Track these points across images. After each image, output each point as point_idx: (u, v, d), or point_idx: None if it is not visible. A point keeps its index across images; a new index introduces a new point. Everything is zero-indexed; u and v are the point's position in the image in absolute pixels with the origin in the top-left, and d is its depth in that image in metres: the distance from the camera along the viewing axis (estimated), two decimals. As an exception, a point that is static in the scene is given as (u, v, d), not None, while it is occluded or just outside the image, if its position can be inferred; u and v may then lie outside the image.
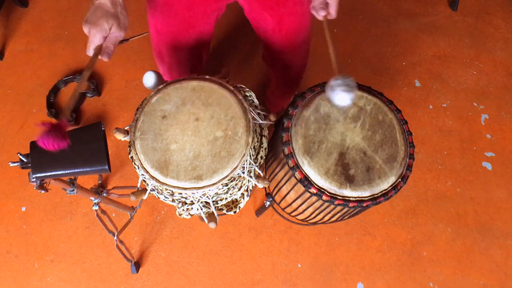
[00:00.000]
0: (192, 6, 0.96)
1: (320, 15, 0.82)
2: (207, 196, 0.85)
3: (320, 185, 0.85)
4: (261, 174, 0.91)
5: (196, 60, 1.24)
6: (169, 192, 0.86)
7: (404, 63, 1.84)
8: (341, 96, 0.73)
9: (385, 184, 0.85)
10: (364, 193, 0.84)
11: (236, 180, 0.87)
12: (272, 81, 1.51)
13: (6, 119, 1.70)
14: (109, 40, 0.72)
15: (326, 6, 0.81)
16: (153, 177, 0.81)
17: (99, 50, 0.71)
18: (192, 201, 0.87)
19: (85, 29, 0.71)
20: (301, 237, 1.50)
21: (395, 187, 0.86)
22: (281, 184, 1.01)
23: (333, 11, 0.81)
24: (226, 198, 0.90)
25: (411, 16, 1.96)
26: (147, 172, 0.82)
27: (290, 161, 0.87)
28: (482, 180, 1.61)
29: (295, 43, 1.13)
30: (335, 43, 0.81)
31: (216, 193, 0.86)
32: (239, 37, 1.87)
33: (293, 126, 0.90)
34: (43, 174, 0.81)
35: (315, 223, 1.09)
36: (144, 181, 0.86)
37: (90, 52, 0.72)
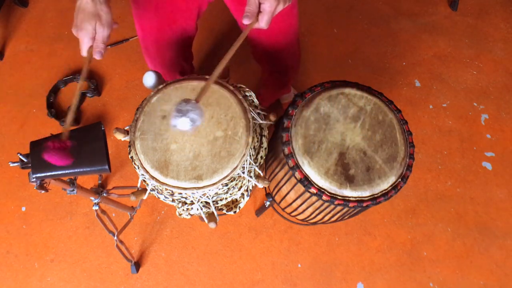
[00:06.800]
0: (173, 2, 0.98)
1: (244, 22, 0.73)
2: (207, 196, 0.85)
3: (320, 185, 0.85)
4: (261, 174, 0.91)
5: (182, 58, 1.25)
6: (169, 192, 0.86)
7: (404, 63, 1.84)
8: (174, 121, 0.69)
9: (385, 184, 0.86)
10: (364, 193, 0.84)
11: (236, 180, 0.87)
12: (263, 75, 1.50)
13: (6, 119, 1.70)
14: (97, 39, 0.75)
15: (255, 15, 0.73)
16: (153, 177, 0.81)
17: (91, 53, 0.76)
18: (192, 201, 0.87)
19: (74, 32, 0.75)
20: (301, 237, 1.50)
21: (395, 187, 0.86)
22: (281, 184, 1.01)
23: (263, 23, 0.74)
24: (226, 198, 0.90)
25: (411, 16, 1.96)
26: (147, 172, 0.82)
27: (290, 161, 0.87)
28: (482, 180, 1.61)
29: (282, 44, 1.13)
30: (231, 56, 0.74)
31: (216, 193, 0.86)
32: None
33: (293, 126, 0.90)
34: (43, 174, 0.81)
35: (315, 223, 1.09)
36: (144, 181, 0.87)
37: (84, 53, 0.76)
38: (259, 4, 0.72)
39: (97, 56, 0.75)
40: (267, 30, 1.05)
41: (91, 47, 0.75)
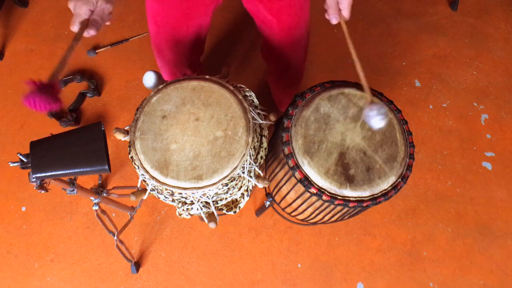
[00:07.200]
0: None
1: (332, 22, 0.83)
2: (207, 196, 0.85)
3: (320, 185, 0.85)
4: (261, 174, 0.91)
5: (194, 55, 1.24)
6: (169, 192, 0.86)
7: (404, 63, 1.84)
8: (378, 123, 0.81)
9: (385, 184, 0.85)
10: (364, 193, 0.84)
11: (236, 180, 0.87)
12: (271, 75, 1.50)
13: (6, 119, 1.70)
14: (96, 14, 0.67)
15: (338, 11, 0.81)
16: (153, 177, 0.81)
17: (85, 24, 0.66)
18: (192, 201, 0.87)
19: (70, 5, 0.66)
20: (301, 237, 1.50)
21: (395, 187, 0.86)
22: (281, 184, 1.01)
23: (346, 14, 0.82)
24: (226, 198, 0.90)
25: (411, 16, 1.96)
26: (147, 172, 0.82)
27: (290, 161, 0.87)
28: (482, 180, 1.61)
29: (293, 37, 1.13)
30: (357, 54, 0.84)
31: (216, 193, 0.86)
32: (239, 37, 1.87)
33: (293, 126, 0.90)
34: (43, 174, 0.81)
35: (315, 223, 1.09)
36: (144, 181, 0.87)
37: (75, 27, 0.66)
38: (337, 2, 0.79)
39: (92, 31, 0.66)
40: (281, 22, 1.05)
41: (84, 21, 0.66)
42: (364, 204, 0.85)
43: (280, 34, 1.11)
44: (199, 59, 1.36)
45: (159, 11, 1.01)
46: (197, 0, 0.99)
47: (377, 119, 0.80)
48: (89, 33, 0.67)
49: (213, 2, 1.03)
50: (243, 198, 0.95)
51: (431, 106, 1.75)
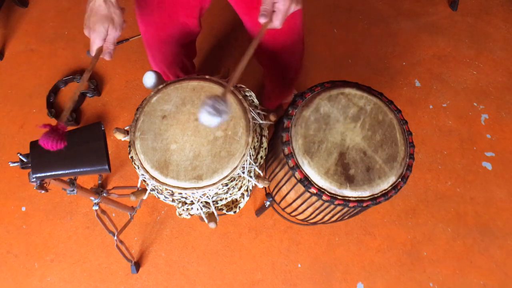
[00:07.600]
0: None
1: (260, 20, 0.75)
2: (207, 196, 0.85)
3: (320, 185, 0.85)
4: (261, 174, 0.91)
5: (184, 54, 1.24)
6: (169, 192, 0.86)
7: (404, 63, 1.84)
8: (203, 117, 0.67)
9: (385, 184, 0.86)
10: (364, 193, 0.84)
11: (236, 180, 0.87)
12: (266, 78, 1.50)
13: (6, 119, 1.70)
14: (108, 41, 0.78)
15: (271, 13, 0.74)
16: (153, 177, 0.81)
17: (99, 51, 0.78)
18: (192, 201, 0.87)
19: (86, 33, 0.78)
20: (301, 237, 1.50)
21: (395, 187, 0.86)
22: (281, 184, 1.01)
23: (277, 22, 0.75)
24: (226, 198, 0.90)
25: (411, 16, 1.96)
26: (147, 172, 0.82)
27: (290, 161, 0.87)
28: (482, 180, 1.61)
29: (284, 44, 1.12)
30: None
31: (216, 193, 0.86)
32: (238, 37, 1.87)
33: (293, 126, 0.90)
34: (43, 174, 0.81)
35: (315, 223, 1.09)
36: (144, 181, 0.87)
37: (93, 53, 0.78)
38: (274, 3, 0.74)
39: (107, 57, 0.78)
40: (271, 30, 1.05)
41: (99, 48, 0.77)
42: (364, 204, 0.85)
43: (270, 41, 1.10)
44: (192, 62, 1.37)
45: (144, 11, 1.04)
46: (182, 2, 1.00)
47: (204, 113, 0.66)
48: (105, 58, 0.78)
49: (198, 5, 1.04)
50: (243, 198, 0.96)
51: (431, 106, 1.75)
